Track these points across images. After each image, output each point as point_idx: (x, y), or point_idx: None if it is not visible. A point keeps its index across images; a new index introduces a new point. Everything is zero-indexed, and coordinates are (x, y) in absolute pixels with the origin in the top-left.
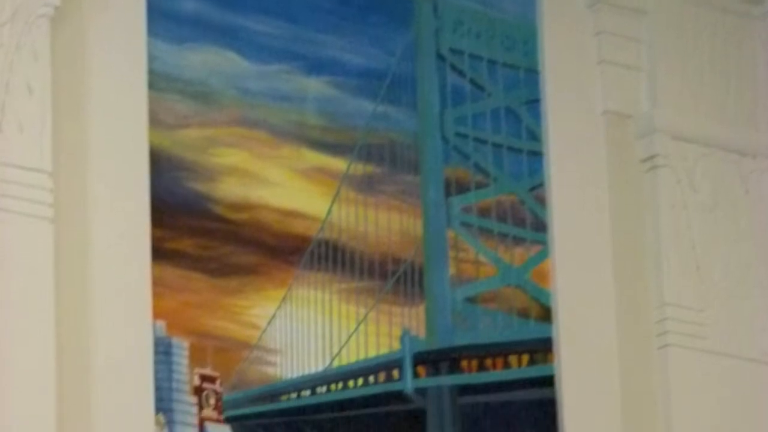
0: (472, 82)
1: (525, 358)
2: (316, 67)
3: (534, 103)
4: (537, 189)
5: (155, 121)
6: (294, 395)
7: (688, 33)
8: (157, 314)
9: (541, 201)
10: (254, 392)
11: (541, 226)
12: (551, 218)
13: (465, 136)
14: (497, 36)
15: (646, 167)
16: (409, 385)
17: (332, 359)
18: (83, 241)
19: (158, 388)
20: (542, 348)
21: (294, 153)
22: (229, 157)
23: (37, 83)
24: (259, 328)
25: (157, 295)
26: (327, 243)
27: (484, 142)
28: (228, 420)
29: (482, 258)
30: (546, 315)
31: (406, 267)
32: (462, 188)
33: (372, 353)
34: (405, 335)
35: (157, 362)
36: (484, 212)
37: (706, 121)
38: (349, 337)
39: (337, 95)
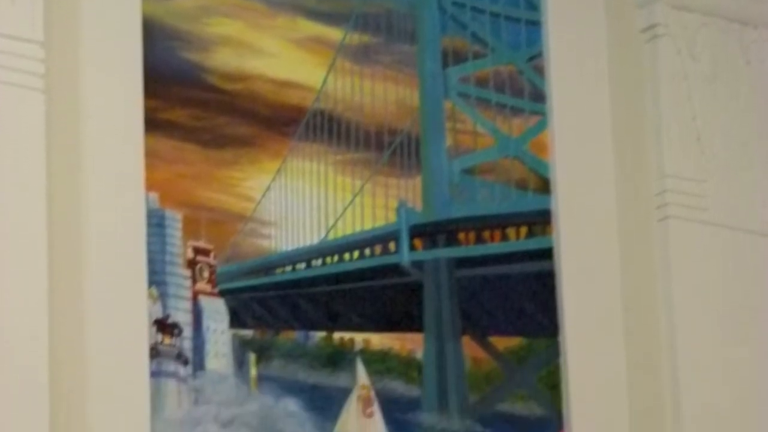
0: None
1: (523, 230)
2: None
3: None
4: (535, 59)
5: None
6: (289, 268)
7: None
8: (149, 186)
9: (540, 71)
10: (248, 265)
11: (539, 97)
12: (550, 89)
13: (462, 6)
14: None
15: (646, 37)
16: (405, 257)
17: (328, 232)
18: (75, 113)
19: (151, 261)
20: (541, 220)
21: (289, 23)
22: (223, 27)
23: None
24: (253, 200)
25: (150, 167)
26: (322, 114)
27: (481, 11)
28: (222, 293)
29: (480, 129)
30: (544, 186)
31: (402, 138)
32: (459, 58)
33: (368, 225)
34: (401, 207)
35: (150, 235)
36: (481, 82)
37: None
38: (345, 209)
39: None
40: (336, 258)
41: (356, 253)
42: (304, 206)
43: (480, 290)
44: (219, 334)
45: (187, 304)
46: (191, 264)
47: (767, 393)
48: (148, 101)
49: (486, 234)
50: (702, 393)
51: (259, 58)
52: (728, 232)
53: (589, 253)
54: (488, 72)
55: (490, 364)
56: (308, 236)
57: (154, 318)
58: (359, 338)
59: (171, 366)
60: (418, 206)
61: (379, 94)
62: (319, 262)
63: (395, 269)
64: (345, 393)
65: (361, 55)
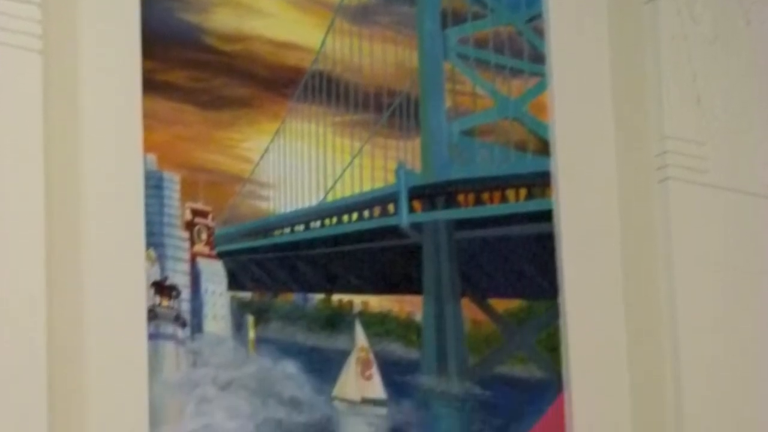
0: None
1: (522, 192)
2: None
3: None
4: (535, 20)
5: None
6: (287, 230)
7: None
8: (147, 148)
9: (539, 32)
10: (247, 227)
11: (539, 58)
12: (549, 50)
13: None
14: None
15: None
16: (404, 219)
17: (326, 193)
18: (72, 74)
19: (149, 223)
20: (540, 182)
21: None
22: None
23: None
24: (251, 162)
25: (147, 128)
26: (321, 75)
27: None
28: (220, 255)
29: (479, 90)
30: (544, 148)
31: (401, 99)
32: (459, 19)
33: (367, 187)
34: (400, 169)
35: (147, 196)
36: (481, 44)
37: None
38: (344, 170)
39: None
40: (335, 220)
41: (355, 215)
42: (302, 168)
43: (479, 252)
44: (217, 296)
45: (185, 267)
46: (189, 226)
47: (765, 356)
48: (146, 63)
49: (485, 196)
50: (702, 355)
51: (257, 18)
52: (729, 194)
53: (588, 214)
54: (487, 33)
55: (490, 326)
56: (307, 198)
57: (151, 280)
58: (358, 300)
59: (169, 328)
60: (417, 168)
61: (378, 55)
62: (318, 224)
63: (394, 231)
64: (344, 355)
65: (360, 16)
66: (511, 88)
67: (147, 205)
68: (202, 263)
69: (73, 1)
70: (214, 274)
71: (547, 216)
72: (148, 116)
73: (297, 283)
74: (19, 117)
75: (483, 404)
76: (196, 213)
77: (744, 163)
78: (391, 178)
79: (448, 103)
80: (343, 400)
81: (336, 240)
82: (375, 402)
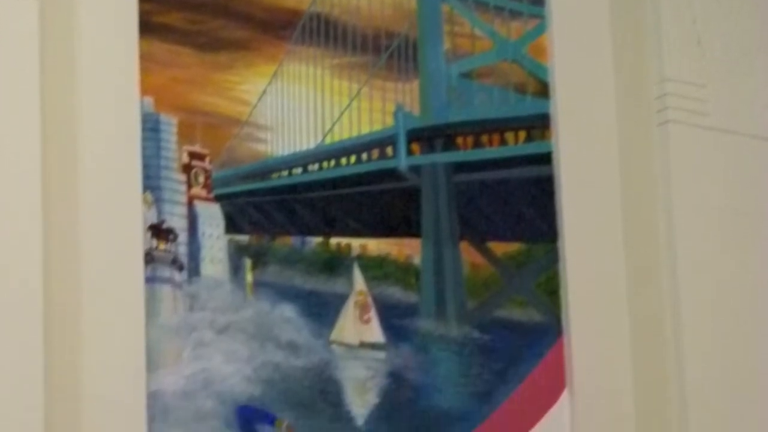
0: None
1: (522, 134)
2: None
3: None
4: None
5: None
6: (285, 173)
7: None
8: (144, 90)
9: None
10: (244, 170)
11: (538, 0)
12: None
13: None
14: None
15: None
16: (402, 162)
17: (324, 136)
18: (68, 17)
19: (146, 166)
20: (540, 124)
21: None
22: None
23: None
24: (249, 104)
25: (144, 71)
26: (319, 17)
27: None
28: (217, 198)
29: (478, 32)
30: (543, 90)
31: (399, 41)
32: None
33: (365, 130)
34: (398, 111)
35: (144, 139)
36: None
37: None
38: (342, 113)
39: None
40: (333, 163)
41: (353, 158)
42: (300, 110)
43: (478, 195)
44: (214, 239)
45: (183, 210)
46: (186, 169)
47: (765, 298)
48: (142, 4)
49: (484, 138)
50: (702, 297)
51: None
52: (729, 137)
53: (588, 157)
54: None
55: (489, 269)
56: (305, 141)
57: (148, 223)
58: (356, 244)
59: (166, 272)
60: (416, 110)
61: None
62: (316, 166)
63: (392, 174)
64: (342, 299)
65: None
66: (510, 29)
67: (144, 148)
68: (200, 206)
69: None
70: (212, 217)
71: (546, 159)
72: (144, 59)
73: (295, 226)
74: (15, 61)
75: (482, 348)
76: (193, 156)
77: (745, 105)
78: (390, 121)
79: (446, 45)
80: (341, 344)
81: (334, 183)
82: (373, 346)
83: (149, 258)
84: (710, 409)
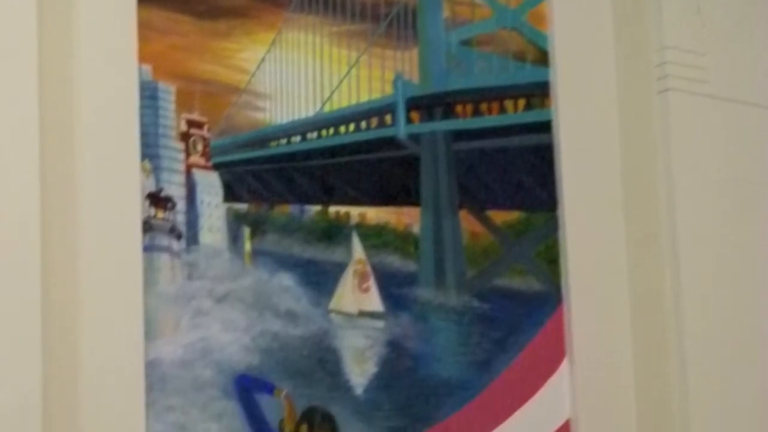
0: None
1: (521, 102)
2: None
3: None
4: None
5: None
6: (284, 141)
7: None
8: (142, 58)
9: None
10: (243, 138)
11: None
12: None
13: None
14: None
15: None
16: (402, 130)
17: (323, 104)
18: None
19: (144, 134)
20: (539, 92)
21: None
22: None
23: None
24: (248, 72)
25: (142, 39)
26: None
27: None
28: (216, 166)
29: (477, 0)
30: (543, 58)
31: (399, 9)
32: None
33: (364, 98)
34: (398, 79)
35: (142, 107)
36: None
37: None
38: (341, 81)
39: None
40: (331, 131)
41: (352, 126)
42: (299, 78)
43: (478, 163)
44: (213, 207)
45: (181, 178)
46: (185, 137)
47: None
48: None
49: (483, 106)
50: (702, 265)
51: None
52: (729, 104)
53: (588, 125)
54: None
55: (488, 238)
56: (303, 109)
57: (146, 192)
58: (355, 212)
59: (164, 240)
60: (415, 78)
61: None
62: (315, 134)
63: (391, 142)
64: (341, 268)
65: None
66: None
67: (142, 116)
68: (198, 175)
69: None
70: (210, 185)
71: (546, 127)
72: (143, 26)
73: (293, 194)
74: (12, 29)
75: (481, 317)
76: (191, 124)
77: (744, 73)
78: (389, 89)
79: (446, 12)
80: (340, 312)
81: (333, 151)
82: (372, 315)
83: (147, 226)
84: (710, 377)
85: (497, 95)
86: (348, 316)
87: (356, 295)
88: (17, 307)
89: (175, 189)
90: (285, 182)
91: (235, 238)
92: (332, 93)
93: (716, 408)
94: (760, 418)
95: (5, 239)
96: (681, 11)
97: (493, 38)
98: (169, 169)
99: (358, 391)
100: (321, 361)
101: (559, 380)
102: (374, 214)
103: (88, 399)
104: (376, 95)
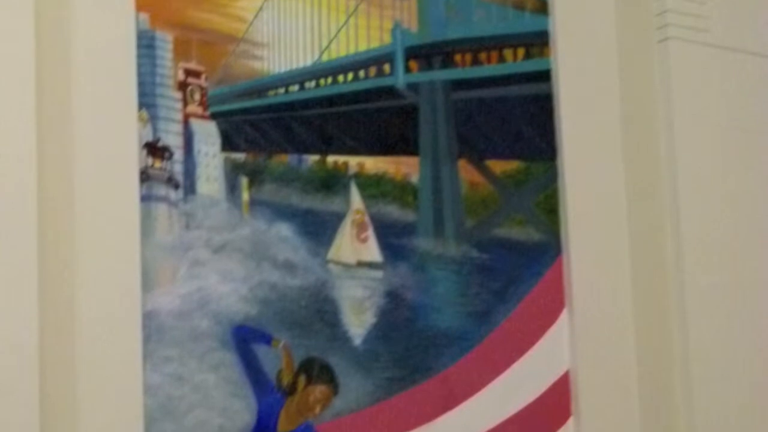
0: None
1: (520, 51)
2: None
3: None
4: None
5: None
6: (282, 90)
7: None
8: (140, 6)
9: None
10: (240, 87)
11: None
12: None
13: None
14: None
15: None
16: (400, 79)
17: (321, 53)
18: None
19: (141, 84)
20: (538, 41)
21: None
22: None
23: None
24: (246, 21)
25: None
26: None
27: None
28: (213, 116)
29: None
30: (542, 7)
31: None
32: None
33: (362, 47)
34: (396, 28)
35: (139, 56)
36: None
37: None
38: (339, 30)
39: None
40: (330, 80)
41: (350, 75)
42: (297, 27)
43: (477, 113)
44: (210, 157)
45: (178, 127)
46: (182, 86)
47: (766, 214)
48: None
49: (482, 55)
50: (702, 216)
51: None
52: (729, 53)
53: (587, 75)
54: None
55: (487, 188)
56: (301, 58)
57: (144, 141)
58: (353, 162)
59: (161, 190)
60: (414, 27)
61: None
62: (313, 84)
63: (390, 91)
64: (339, 218)
65: None
66: None
67: (139, 65)
68: (195, 124)
69: None
70: (208, 135)
71: (545, 76)
72: None
73: (291, 144)
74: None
75: (480, 267)
76: (189, 73)
77: (745, 22)
78: (387, 38)
79: None
80: (338, 263)
81: (331, 100)
82: (371, 265)
83: (144, 176)
84: (710, 324)
85: (496, 44)
86: (346, 266)
87: (355, 245)
88: (14, 257)
89: (172, 138)
90: (283, 132)
91: (232, 188)
92: (330, 42)
93: (716, 354)
94: (760, 361)
95: (1, 193)
96: None
97: None
98: (166, 118)
99: (357, 341)
100: (319, 311)
101: (559, 331)
102: (373, 164)
103: (85, 350)
104: (374, 44)
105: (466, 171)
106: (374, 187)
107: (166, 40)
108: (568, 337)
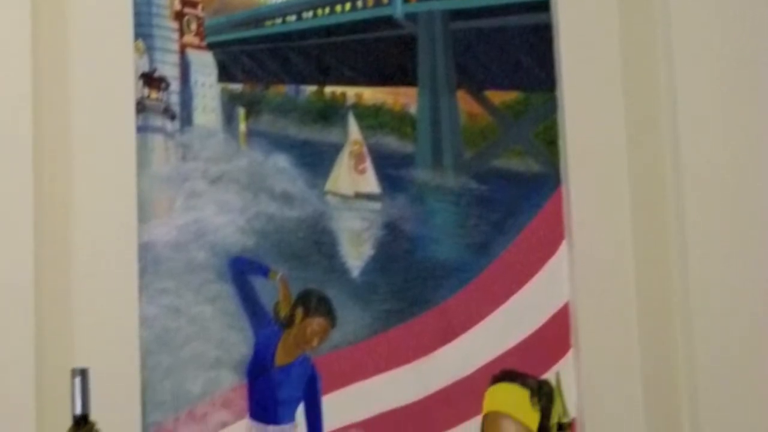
0: None
1: None
2: None
3: None
4: None
5: None
6: (279, 20)
7: None
8: None
9: None
10: (237, 17)
11: None
12: None
13: None
14: None
15: None
16: (398, 9)
17: None
18: None
19: (137, 14)
20: None
21: None
22: None
23: None
24: None
25: None
26: None
27: None
28: (210, 46)
29: None
30: None
31: None
32: None
33: None
34: None
35: None
36: None
37: None
38: None
39: None
40: (327, 10)
41: (348, 5)
42: None
43: (475, 43)
44: (207, 88)
45: (175, 58)
46: (179, 16)
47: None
48: None
49: None
50: (703, 146)
51: None
52: None
53: (586, 4)
54: None
55: (486, 119)
56: None
57: (140, 72)
58: (351, 92)
59: (158, 121)
60: None
61: None
62: (310, 14)
63: (388, 21)
64: (336, 148)
65: None
66: None
67: None
68: (192, 54)
69: None
70: (204, 65)
71: (544, 6)
72: None
73: (289, 74)
74: None
75: (479, 198)
76: (185, 3)
77: None
78: None
79: None
80: (335, 194)
81: (329, 30)
82: (369, 196)
83: (141, 107)
84: (710, 254)
85: None
86: (344, 197)
87: (352, 176)
88: (9, 190)
89: (168, 69)
90: (280, 62)
91: (229, 119)
92: None
93: (716, 284)
94: (760, 291)
95: None
96: None
97: None
98: (162, 48)
99: (354, 273)
100: (317, 243)
101: (558, 262)
102: (371, 95)
103: (81, 282)
104: None
105: (464, 101)
106: (372, 117)
107: None
108: (568, 268)
